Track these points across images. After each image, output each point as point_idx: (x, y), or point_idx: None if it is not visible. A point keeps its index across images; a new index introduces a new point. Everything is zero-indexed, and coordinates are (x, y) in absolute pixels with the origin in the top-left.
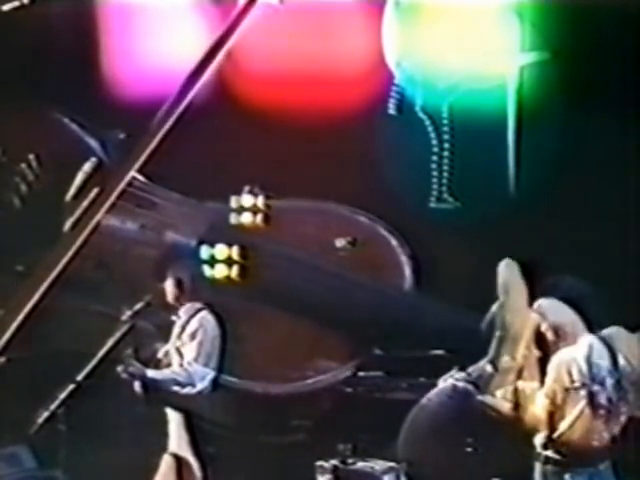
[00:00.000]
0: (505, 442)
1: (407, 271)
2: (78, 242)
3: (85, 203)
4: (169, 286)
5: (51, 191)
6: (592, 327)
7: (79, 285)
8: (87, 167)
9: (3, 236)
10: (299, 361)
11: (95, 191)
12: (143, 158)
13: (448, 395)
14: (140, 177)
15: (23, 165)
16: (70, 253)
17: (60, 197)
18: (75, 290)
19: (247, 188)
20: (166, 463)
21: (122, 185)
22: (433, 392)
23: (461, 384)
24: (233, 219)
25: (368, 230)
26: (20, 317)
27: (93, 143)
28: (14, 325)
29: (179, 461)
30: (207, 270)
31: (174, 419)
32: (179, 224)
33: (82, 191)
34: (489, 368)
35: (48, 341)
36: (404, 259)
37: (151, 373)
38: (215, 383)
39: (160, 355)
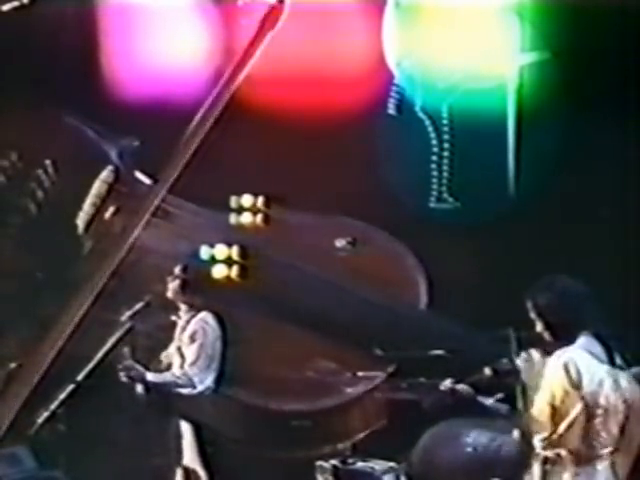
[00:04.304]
0: (504, 442)
1: (413, 279)
2: (114, 261)
3: (108, 216)
4: (174, 285)
5: (67, 197)
6: (590, 327)
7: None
8: (104, 175)
9: (20, 242)
10: (306, 372)
11: (114, 207)
12: (176, 176)
13: (449, 397)
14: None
15: (39, 171)
16: (106, 272)
17: (76, 203)
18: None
19: (261, 199)
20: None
21: (155, 204)
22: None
23: (461, 386)
24: (233, 219)
25: (363, 230)
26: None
27: (108, 148)
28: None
29: (187, 473)
30: (207, 270)
31: (187, 430)
32: (192, 233)
33: (104, 204)
34: (488, 371)
35: (55, 345)
36: (406, 264)
37: (150, 376)
38: (218, 384)
39: (163, 356)
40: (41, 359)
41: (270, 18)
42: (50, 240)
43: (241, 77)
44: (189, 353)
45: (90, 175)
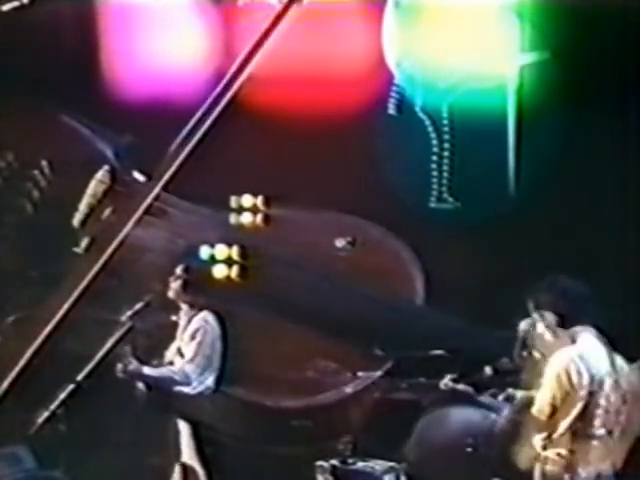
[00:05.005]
0: (505, 442)
1: (413, 279)
2: (103, 257)
3: (105, 216)
4: (175, 284)
5: (64, 197)
6: (590, 327)
7: (90, 293)
8: (100, 175)
9: (16, 242)
10: (306, 370)
11: (111, 207)
12: (169, 175)
13: (448, 396)
14: (142, 178)
15: (35, 171)
16: (95, 268)
17: (73, 203)
18: (85, 297)
19: (261, 199)
20: (176, 472)
21: (149, 201)
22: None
23: (461, 386)
24: (233, 219)
25: (363, 230)
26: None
27: (104, 148)
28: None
29: (185, 469)
30: (207, 270)
31: (185, 428)
32: (188, 232)
33: (101, 203)
34: (489, 370)
35: (53, 344)
36: (406, 264)
37: (147, 370)
38: (218, 384)
39: (166, 355)
40: (37, 358)
41: (277, 21)
42: (46, 240)
43: (242, 78)
44: (187, 351)
45: (86, 175)
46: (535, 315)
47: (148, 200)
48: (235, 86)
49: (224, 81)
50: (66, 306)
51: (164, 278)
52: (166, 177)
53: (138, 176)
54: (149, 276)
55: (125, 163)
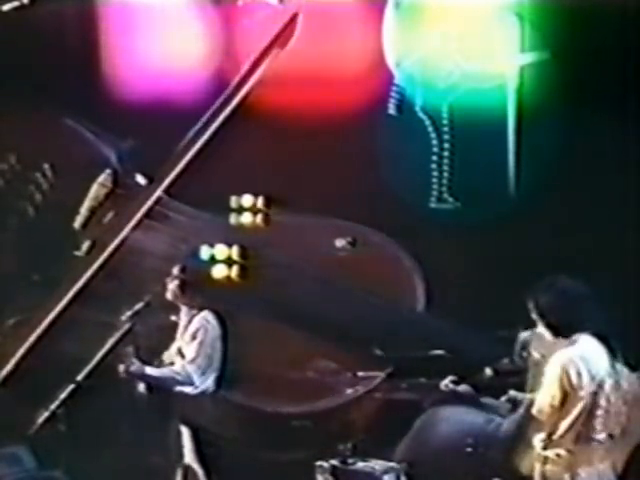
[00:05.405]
0: (505, 443)
1: (413, 279)
2: (101, 259)
3: (106, 219)
4: (172, 285)
5: (65, 200)
6: (590, 327)
7: (90, 295)
8: (102, 179)
9: (18, 244)
10: (306, 371)
11: (112, 210)
12: (171, 179)
13: (449, 397)
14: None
15: (37, 174)
16: (93, 269)
17: (74, 206)
18: (85, 300)
19: (261, 199)
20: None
21: (149, 204)
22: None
23: (461, 387)
24: (233, 219)
25: (363, 231)
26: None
27: (107, 151)
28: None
29: (186, 471)
30: (207, 270)
31: (184, 430)
32: (190, 236)
33: (102, 207)
34: (489, 371)
35: (54, 345)
36: (406, 264)
37: (150, 370)
38: (218, 385)
39: (165, 356)
40: (38, 359)
41: (283, 35)
42: (48, 242)
43: (244, 82)
44: (189, 351)
45: (88, 178)
46: (535, 316)
47: (149, 203)
48: (236, 89)
49: (226, 84)
50: (66, 308)
51: (164, 281)
52: (168, 180)
53: (140, 179)
54: (150, 279)
55: (127, 166)
